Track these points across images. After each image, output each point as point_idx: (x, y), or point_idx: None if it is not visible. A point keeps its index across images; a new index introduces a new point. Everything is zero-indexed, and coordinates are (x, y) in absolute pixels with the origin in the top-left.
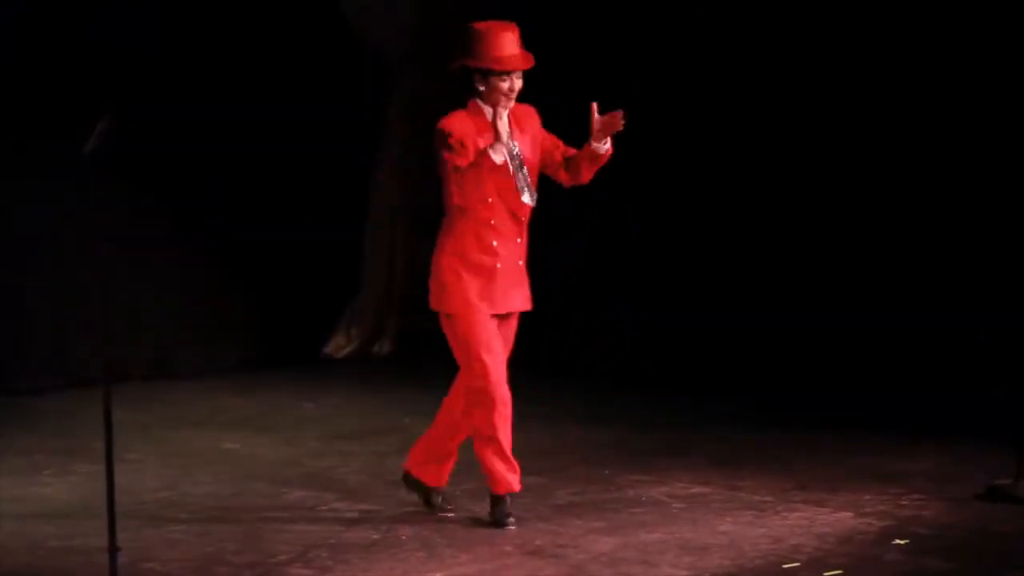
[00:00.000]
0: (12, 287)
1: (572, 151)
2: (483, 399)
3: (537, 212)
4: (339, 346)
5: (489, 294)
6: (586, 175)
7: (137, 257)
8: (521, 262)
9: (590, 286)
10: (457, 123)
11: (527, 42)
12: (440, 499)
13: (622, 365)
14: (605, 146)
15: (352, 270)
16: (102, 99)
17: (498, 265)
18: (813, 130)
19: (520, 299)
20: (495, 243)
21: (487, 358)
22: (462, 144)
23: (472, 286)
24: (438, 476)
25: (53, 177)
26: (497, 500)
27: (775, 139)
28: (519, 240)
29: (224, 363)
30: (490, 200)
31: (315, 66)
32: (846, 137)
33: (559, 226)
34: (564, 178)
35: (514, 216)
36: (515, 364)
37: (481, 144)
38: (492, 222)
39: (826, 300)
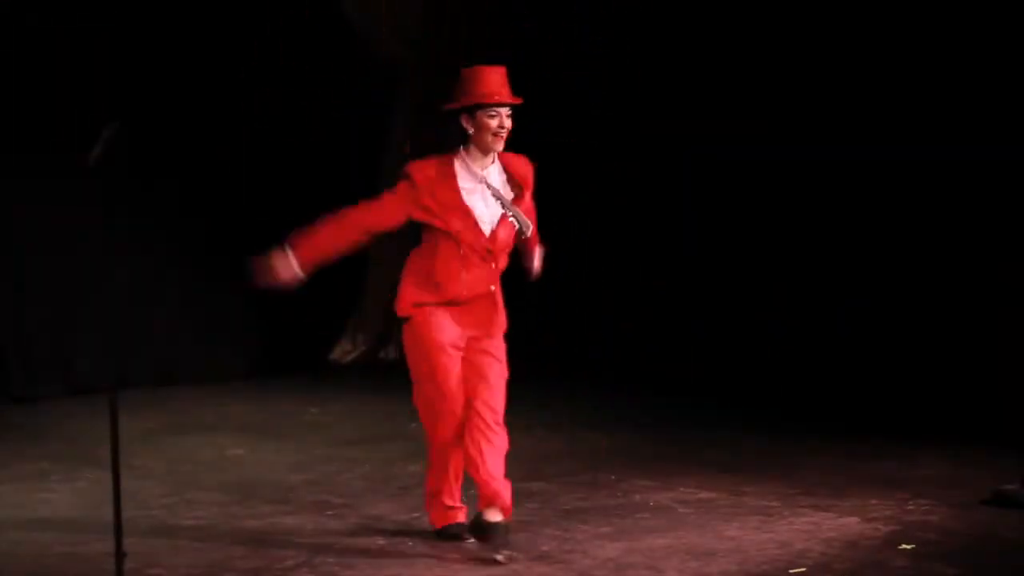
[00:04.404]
0: (17, 295)
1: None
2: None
3: (536, 212)
4: (345, 352)
5: (456, 318)
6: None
7: (142, 265)
8: (493, 287)
9: (593, 291)
10: (418, 169)
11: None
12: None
13: (629, 371)
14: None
15: (357, 276)
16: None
17: (462, 286)
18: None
19: (493, 324)
20: (463, 274)
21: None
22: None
23: (437, 313)
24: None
25: (58, 185)
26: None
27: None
28: (493, 266)
29: (230, 370)
30: (460, 244)
31: (321, 73)
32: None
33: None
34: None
35: (486, 252)
36: (518, 368)
37: (436, 198)
38: (460, 254)
39: (827, 301)
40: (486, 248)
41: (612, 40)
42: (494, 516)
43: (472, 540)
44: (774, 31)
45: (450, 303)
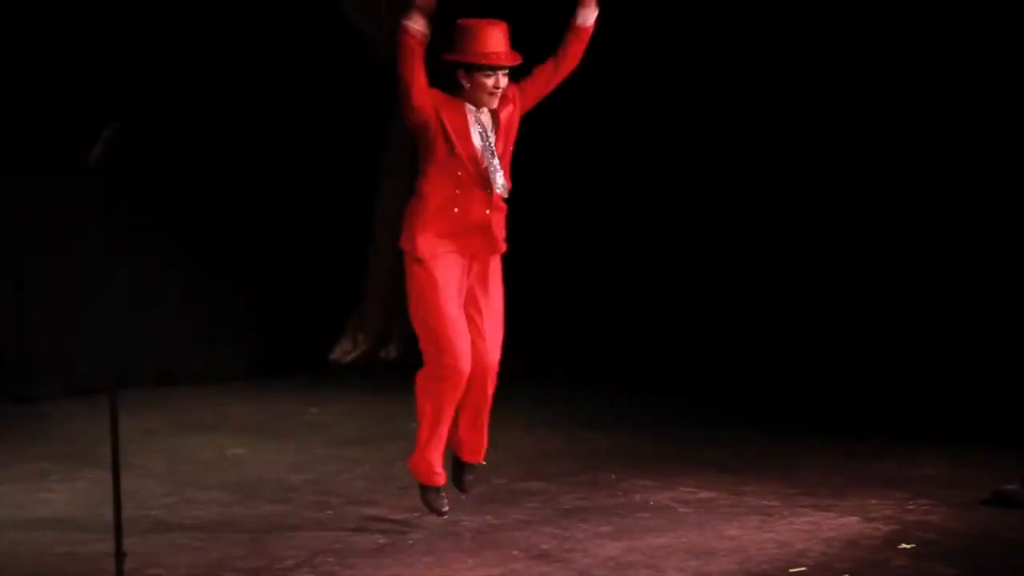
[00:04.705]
0: (17, 295)
1: (549, 60)
2: (444, 375)
3: (536, 213)
4: (345, 351)
5: (459, 249)
6: (577, 53)
7: (142, 264)
8: (489, 211)
9: (593, 291)
10: (438, 91)
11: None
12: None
13: (629, 371)
14: (591, 17)
15: (357, 275)
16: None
17: (456, 210)
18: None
19: (492, 248)
20: (461, 200)
21: (451, 334)
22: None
23: (438, 239)
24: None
25: (58, 185)
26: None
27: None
28: (488, 193)
29: (230, 369)
30: (457, 191)
31: (321, 73)
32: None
33: (558, 230)
34: (561, 72)
35: (480, 187)
36: (520, 369)
37: (445, 120)
38: (457, 192)
39: (827, 301)
40: (481, 174)
41: (612, 40)
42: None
43: (445, 508)
44: (774, 31)
45: (447, 231)
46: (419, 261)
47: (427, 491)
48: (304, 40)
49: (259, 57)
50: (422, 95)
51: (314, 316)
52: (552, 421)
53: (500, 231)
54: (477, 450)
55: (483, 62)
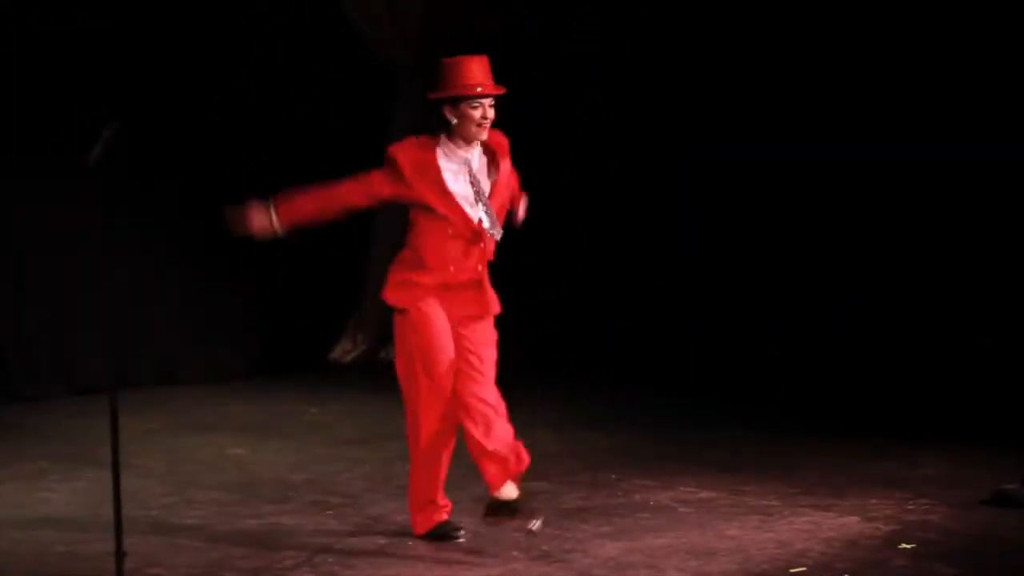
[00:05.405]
0: (17, 295)
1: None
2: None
3: (536, 213)
4: (345, 351)
5: (447, 305)
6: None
7: (142, 264)
8: (481, 268)
9: (593, 291)
10: (401, 151)
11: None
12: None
13: (629, 371)
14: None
15: (357, 276)
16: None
17: (451, 268)
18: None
19: (479, 305)
20: (452, 256)
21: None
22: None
23: (428, 293)
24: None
25: (58, 185)
26: None
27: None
28: (481, 247)
29: (230, 369)
30: (449, 246)
31: (321, 73)
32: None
33: (559, 226)
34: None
35: (473, 234)
36: (518, 367)
37: (421, 190)
38: (448, 235)
39: (827, 301)
40: (473, 230)
41: (612, 40)
42: (510, 493)
43: (462, 535)
44: (774, 31)
45: (440, 287)
46: (410, 312)
47: (435, 535)
48: (304, 40)
49: (259, 57)
50: (374, 197)
51: (314, 316)
52: (552, 422)
53: (490, 289)
54: (499, 474)
55: (469, 93)
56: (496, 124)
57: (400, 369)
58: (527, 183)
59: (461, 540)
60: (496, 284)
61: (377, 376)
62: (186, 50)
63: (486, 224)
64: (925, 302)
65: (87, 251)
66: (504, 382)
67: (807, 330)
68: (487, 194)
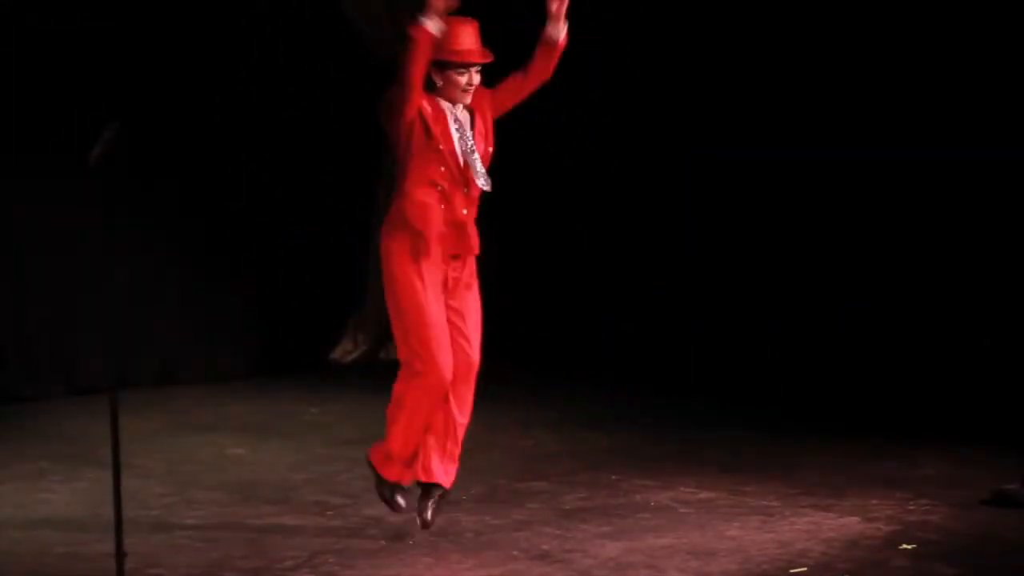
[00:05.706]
0: (17, 295)
1: (520, 70)
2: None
3: (537, 213)
4: (346, 351)
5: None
6: (547, 67)
7: (142, 264)
8: (466, 211)
9: (593, 291)
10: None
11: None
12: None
13: (629, 371)
14: (561, 32)
15: (357, 275)
16: (106, 110)
17: (442, 206)
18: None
19: (462, 244)
20: (442, 200)
21: (433, 345)
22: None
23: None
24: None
25: (58, 185)
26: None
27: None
28: (465, 191)
29: (230, 369)
30: (439, 188)
31: (321, 73)
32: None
33: (559, 226)
34: (530, 84)
35: (458, 182)
36: (521, 370)
37: (428, 119)
38: (439, 189)
39: (827, 301)
40: (460, 169)
41: (612, 40)
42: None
43: (402, 503)
44: (774, 31)
45: (433, 230)
46: (402, 257)
47: (384, 484)
48: (304, 40)
49: (259, 57)
50: (420, 95)
51: (314, 316)
52: (552, 422)
53: (475, 232)
54: (447, 469)
55: (456, 59)
56: (496, 123)
57: (390, 307)
58: (527, 183)
59: (402, 507)
60: (496, 284)
61: (377, 376)
62: (186, 50)
63: (475, 169)
64: (925, 302)
65: (87, 251)
66: (504, 381)
67: (807, 330)
68: (473, 146)
